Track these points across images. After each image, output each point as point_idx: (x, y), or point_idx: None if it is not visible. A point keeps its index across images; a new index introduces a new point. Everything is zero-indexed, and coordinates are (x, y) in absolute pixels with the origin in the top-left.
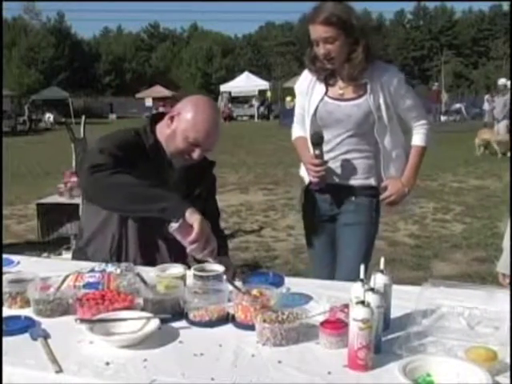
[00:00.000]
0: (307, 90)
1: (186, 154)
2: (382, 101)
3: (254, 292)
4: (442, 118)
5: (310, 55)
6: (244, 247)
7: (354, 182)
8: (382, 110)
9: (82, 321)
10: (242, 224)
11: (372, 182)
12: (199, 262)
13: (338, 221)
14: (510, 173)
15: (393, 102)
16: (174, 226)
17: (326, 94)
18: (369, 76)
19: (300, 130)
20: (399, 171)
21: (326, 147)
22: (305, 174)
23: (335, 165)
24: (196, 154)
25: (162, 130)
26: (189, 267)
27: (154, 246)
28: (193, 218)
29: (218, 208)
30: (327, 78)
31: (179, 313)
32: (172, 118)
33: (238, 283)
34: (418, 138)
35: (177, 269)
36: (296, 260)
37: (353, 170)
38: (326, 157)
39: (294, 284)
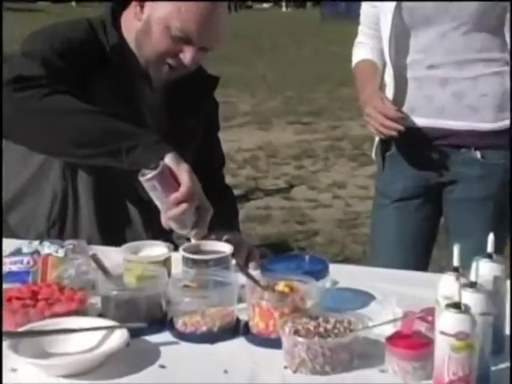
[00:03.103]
0: None
1: (171, 57)
2: None
3: (280, 287)
4: None
5: None
6: (264, 216)
7: (481, 124)
8: None
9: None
10: (260, 180)
11: (507, 121)
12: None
13: (448, 194)
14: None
15: None
16: (148, 173)
17: None
18: None
19: (368, 48)
20: None
21: (424, 61)
22: None
23: (443, 92)
24: (187, 57)
25: (129, 23)
26: (175, 246)
27: (121, 214)
28: (178, 166)
29: (221, 153)
30: None
31: (160, 319)
32: (142, 4)
33: (255, 272)
34: None
35: (157, 249)
36: (348, 237)
37: (476, 100)
38: (425, 77)
39: (344, 274)
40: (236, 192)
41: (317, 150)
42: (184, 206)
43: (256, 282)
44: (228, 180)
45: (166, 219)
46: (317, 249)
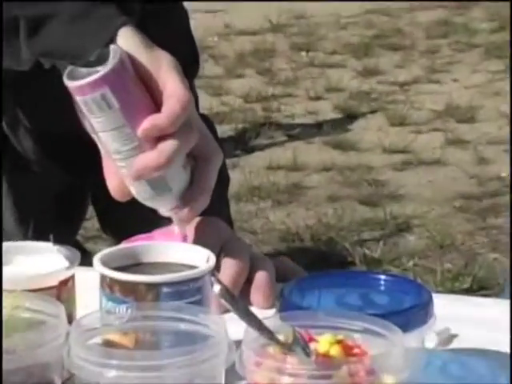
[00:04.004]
0: None
1: None
2: None
3: (323, 344)
4: None
5: None
6: (286, 187)
7: None
8: None
9: None
10: (276, 102)
11: None
12: (120, 234)
13: None
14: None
15: None
16: (87, 73)
17: None
18: None
19: None
20: None
21: None
22: None
23: None
24: None
25: None
26: (84, 253)
27: None
28: (154, 56)
29: (190, 41)
30: None
31: None
32: None
33: (265, 312)
34: None
35: (43, 259)
36: (478, 234)
37: None
38: None
39: (469, 319)
40: (223, 130)
41: (411, 32)
42: (172, 144)
43: (268, 332)
44: (204, 101)
45: (132, 176)
46: (407, 263)
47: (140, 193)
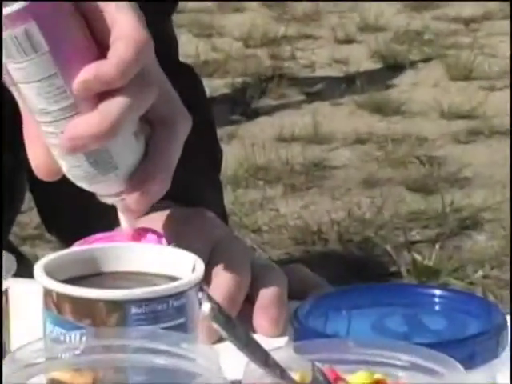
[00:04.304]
0: None
1: None
2: None
3: None
4: None
5: None
6: (302, 170)
7: None
8: None
9: None
10: (286, 44)
11: None
12: (69, 233)
13: None
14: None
15: None
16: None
17: None
18: None
19: None
20: None
21: None
22: None
23: None
24: None
25: None
26: (18, 259)
27: None
28: None
29: None
30: None
31: None
32: None
33: (273, 340)
34: None
35: None
36: None
37: None
38: None
39: None
40: (214, 87)
41: None
42: (120, 103)
43: (277, 369)
44: (188, 45)
45: (63, 147)
46: (473, 274)
47: (73, 170)
